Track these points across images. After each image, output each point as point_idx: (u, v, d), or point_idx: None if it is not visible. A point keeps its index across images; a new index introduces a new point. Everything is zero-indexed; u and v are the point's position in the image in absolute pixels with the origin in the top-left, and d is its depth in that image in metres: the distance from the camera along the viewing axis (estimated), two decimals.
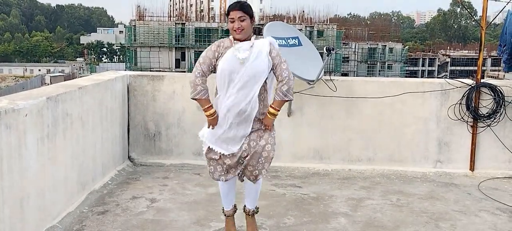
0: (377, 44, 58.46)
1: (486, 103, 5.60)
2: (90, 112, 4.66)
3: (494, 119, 5.60)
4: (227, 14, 3.39)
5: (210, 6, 64.26)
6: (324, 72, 5.56)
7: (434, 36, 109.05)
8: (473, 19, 67.11)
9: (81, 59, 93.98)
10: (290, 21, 47.07)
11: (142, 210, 4.34)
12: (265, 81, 3.43)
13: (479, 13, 6.23)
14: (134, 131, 5.83)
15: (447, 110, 5.67)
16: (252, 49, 3.35)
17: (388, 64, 58.30)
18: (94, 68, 60.88)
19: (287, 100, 3.46)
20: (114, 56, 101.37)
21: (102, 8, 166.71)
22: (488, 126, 5.63)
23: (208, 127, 3.47)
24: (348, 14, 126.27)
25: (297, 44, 5.52)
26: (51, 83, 44.40)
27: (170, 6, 79.06)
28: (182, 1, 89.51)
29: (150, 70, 40.57)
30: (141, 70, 36.48)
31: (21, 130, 3.41)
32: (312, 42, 7.97)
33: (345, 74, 46.84)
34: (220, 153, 3.46)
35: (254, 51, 3.35)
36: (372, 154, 5.78)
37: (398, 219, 4.31)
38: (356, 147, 5.78)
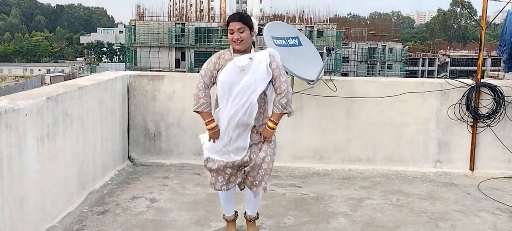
0: (377, 44, 58.40)
1: (486, 103, 5.60)
2: (90, 112, 4.66)
3: (494, 118, 5.60)
4: (227, 25, 3.40)
5: (210, 6, 64.27)
6: (324, 72, 5.56)
7: (434, 36, 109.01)
8: (473, 19, 67.20)
9: (81, 59, 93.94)
10: (290, 21, 47.08)
11: (142, 210, 4.34)
12: (266, 94, 3.45)
13: (479, 13, 6.23)
14: (134, 131, 5.83)
15: (447, 110, 5.67)
16: (252, 60, 3.37)
17: (388, 64, 58.22)
18: (94, 68, 60.86)
19: (285, 113, 3.47)
20: (114, 56, 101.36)
21: (102, 8, 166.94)
22: (488, 126, 5.63)
23: (209, 140, 3.49)
24: (348, 14, 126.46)
25: (297, 44, 5.52)
26: (51, 83, 44.37)
27: (170, 6, 79.13)
28: (182, 1, 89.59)
29: (150, 70, 40.57)
30: (141, 70, 36.51)
31: (21, 130, 3.41)
32: (312, 42, 7.96)
33: (345, 74, 46.81)
34: (219, 163, 3.48)
35: (254, 63, 3.36)
36: (372, 154, 5.78)
37: (398, 219, 4.31)
38: (356, 147, 5.78)
